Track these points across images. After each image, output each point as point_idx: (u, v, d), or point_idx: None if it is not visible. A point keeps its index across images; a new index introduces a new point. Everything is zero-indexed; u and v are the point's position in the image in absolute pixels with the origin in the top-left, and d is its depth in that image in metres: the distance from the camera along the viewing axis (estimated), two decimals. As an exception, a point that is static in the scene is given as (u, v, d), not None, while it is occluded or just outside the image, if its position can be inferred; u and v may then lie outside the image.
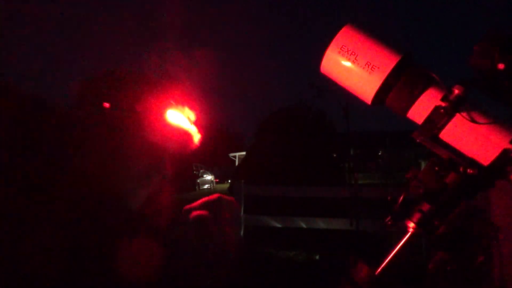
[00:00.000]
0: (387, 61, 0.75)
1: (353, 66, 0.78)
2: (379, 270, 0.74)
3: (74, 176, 0.73)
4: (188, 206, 0.88)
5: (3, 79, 0.83)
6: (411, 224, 0.74)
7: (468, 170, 0.70)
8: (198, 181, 22.13)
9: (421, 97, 0.75)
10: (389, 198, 0.75)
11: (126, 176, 0.80)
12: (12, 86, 0.83)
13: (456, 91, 0.71)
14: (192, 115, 0.92)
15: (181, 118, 0.89)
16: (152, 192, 0.85)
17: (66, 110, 0.81)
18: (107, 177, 0.76)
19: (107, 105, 0.78)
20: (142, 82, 0.86)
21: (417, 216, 0.73)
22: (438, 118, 0.73)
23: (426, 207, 0.73)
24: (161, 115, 0.85)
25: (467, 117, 0.71)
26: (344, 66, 0.79)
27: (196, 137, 0.93)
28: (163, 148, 0.86)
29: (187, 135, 0.91)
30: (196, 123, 0.93)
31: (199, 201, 0.89)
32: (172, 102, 0.88)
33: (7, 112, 0.77)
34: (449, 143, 0.74)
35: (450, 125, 0.73)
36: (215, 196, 0.92)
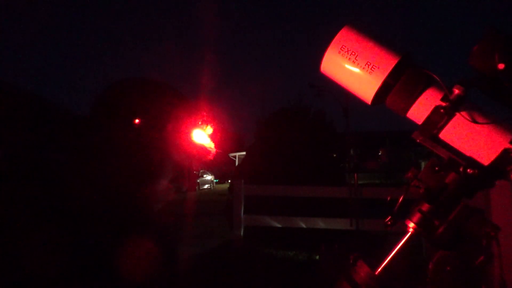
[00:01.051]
0: (387, 61, 0.75)
1: (353, 66, 0.78)
2: (379, 270, 0.74)
3: (90, 180, 0.74)
4: None
5: (25, 87, 0.83)
6: (411, 224, 0.74)
7: (468, 170, 0.70)
8: (198, 181, 22.15)
9: (421, 97, 0.75)
10: (389, 198, 0.75)
11: (152, 193, 0.81)
12: (32, 93, 0.84)
13: (456, 91, 0.71)
14: (210, 131, 0.93)
15: (204, 137, 0.91)
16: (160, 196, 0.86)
17: (92, 118, 0.81)
18: (130, 189, 0.78)
19: (137, 121, 0.79)
20: (174, 99, 0.87)
21: (417, 216, 0.73)
22: (438, 118, 0.73)
23: (426, 207, 0.73)
24: (188, 134, 0.86)
25: (467, 117, 0.71)
26: (344, 66, 0.79)
27: (213, 152, 0.94)
28: (185, 165, 0.88)
29: (205, 151, 0.92)
30: (213, 139, 0.94)
31: None
32: (199, 122, 0.89)
33: (26, 116, 0.78)
34: (449, 143, 0.74)
35: (450, 125, 0.73)
36: None
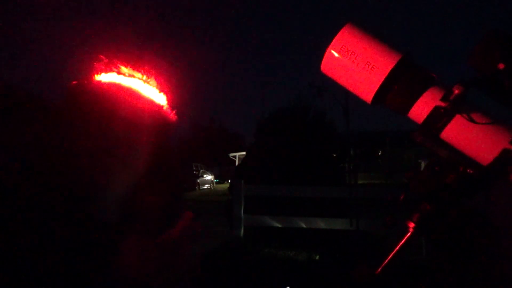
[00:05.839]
0: (387, 61, 0.76)
1: (353, 66, 0.78)
2: (379, 269, 0.74)
3: (68, 172, 0.71)
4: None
5: None
6: (411, 224, 0.74)
7: (468, 170, 0.70)
8: (198, 181, 22.15)
9: (421, 97, 0.75)
10: (389, 198, 0.75)
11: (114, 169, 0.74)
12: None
13: (456, 91, 0.71)
14: (154, 83, 0.84)
15: (149, 89, 0.82)
16: (149, 191, 0.82)
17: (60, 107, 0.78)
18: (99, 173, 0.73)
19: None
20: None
21: (417, 216, 0.73)
22: (438, 118, 0.73)
23: (426, 207, 0.73)
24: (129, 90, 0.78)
25: (467, 117, 0.71)
26: (344, 66, 0.79)
27: (165, 107, 0.85)
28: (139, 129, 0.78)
29: (156, 107, 0.84)
30: (163, 90, 0.85)
31: None
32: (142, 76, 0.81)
33: None
34: (449, 143, 0.74)
35: (450, 125, 0.73)
36: None
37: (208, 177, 24.60)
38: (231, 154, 29.94)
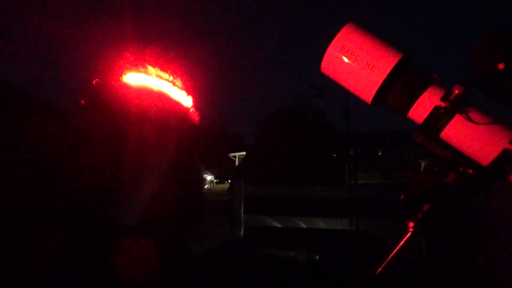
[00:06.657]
0: (387, 61, 0.75)
1: (353, 66, 0.78)
2: (379, 270, 0.74)
3: (77, 174, 0.71)
4: None
5: (8, 80, 0.81)
6: (411, 224, 0.74)
7: (468, 170, 0.70)
8: (198, 181, 22.11)
9: (421, 97, 0.75)
10: (389, 198, 0.75)
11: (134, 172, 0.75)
12: (15, 86, 0.82)
13: (456, 91, 0.71)
14: (180, 84, 0.86)
15: (177, 92, 0.84)
16: (155, 192, 0.83)
17: (73, 113, 0.79)
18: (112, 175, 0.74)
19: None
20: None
21: (417, 216, 0.73)
22: (438, 118, 0.73)
23: (426, 207, 0.73)
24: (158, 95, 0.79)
25: (466, 117, 0.71)
26: (344, 66, 0.79)
27: (191, 109, 0.87)
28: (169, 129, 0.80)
29: (183, 108, 0.85)
30: (187, 90, 0.87)
31: None
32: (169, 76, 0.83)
33: (9, 111, 0.76)
34: (449, 143, 0.74)
35: (450, 125, 0.73)
36: None
37: (208, 177, 24.60)
38: (231, 154, 29.91)
